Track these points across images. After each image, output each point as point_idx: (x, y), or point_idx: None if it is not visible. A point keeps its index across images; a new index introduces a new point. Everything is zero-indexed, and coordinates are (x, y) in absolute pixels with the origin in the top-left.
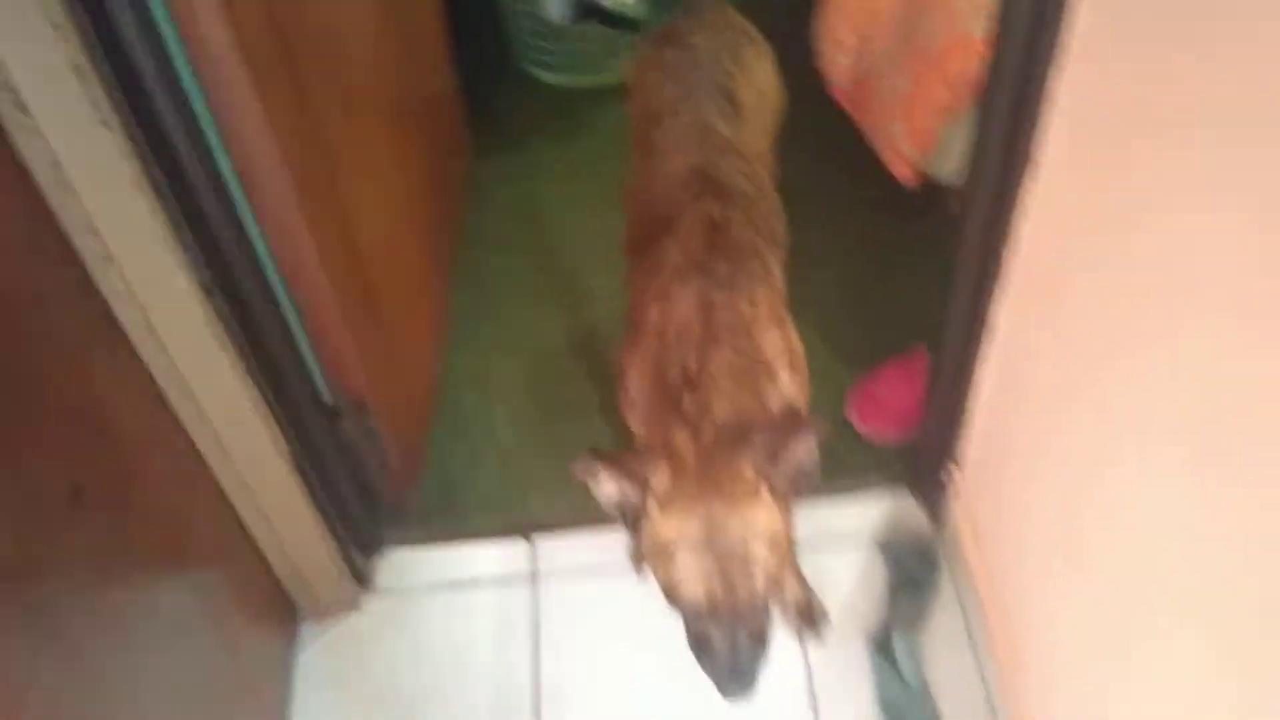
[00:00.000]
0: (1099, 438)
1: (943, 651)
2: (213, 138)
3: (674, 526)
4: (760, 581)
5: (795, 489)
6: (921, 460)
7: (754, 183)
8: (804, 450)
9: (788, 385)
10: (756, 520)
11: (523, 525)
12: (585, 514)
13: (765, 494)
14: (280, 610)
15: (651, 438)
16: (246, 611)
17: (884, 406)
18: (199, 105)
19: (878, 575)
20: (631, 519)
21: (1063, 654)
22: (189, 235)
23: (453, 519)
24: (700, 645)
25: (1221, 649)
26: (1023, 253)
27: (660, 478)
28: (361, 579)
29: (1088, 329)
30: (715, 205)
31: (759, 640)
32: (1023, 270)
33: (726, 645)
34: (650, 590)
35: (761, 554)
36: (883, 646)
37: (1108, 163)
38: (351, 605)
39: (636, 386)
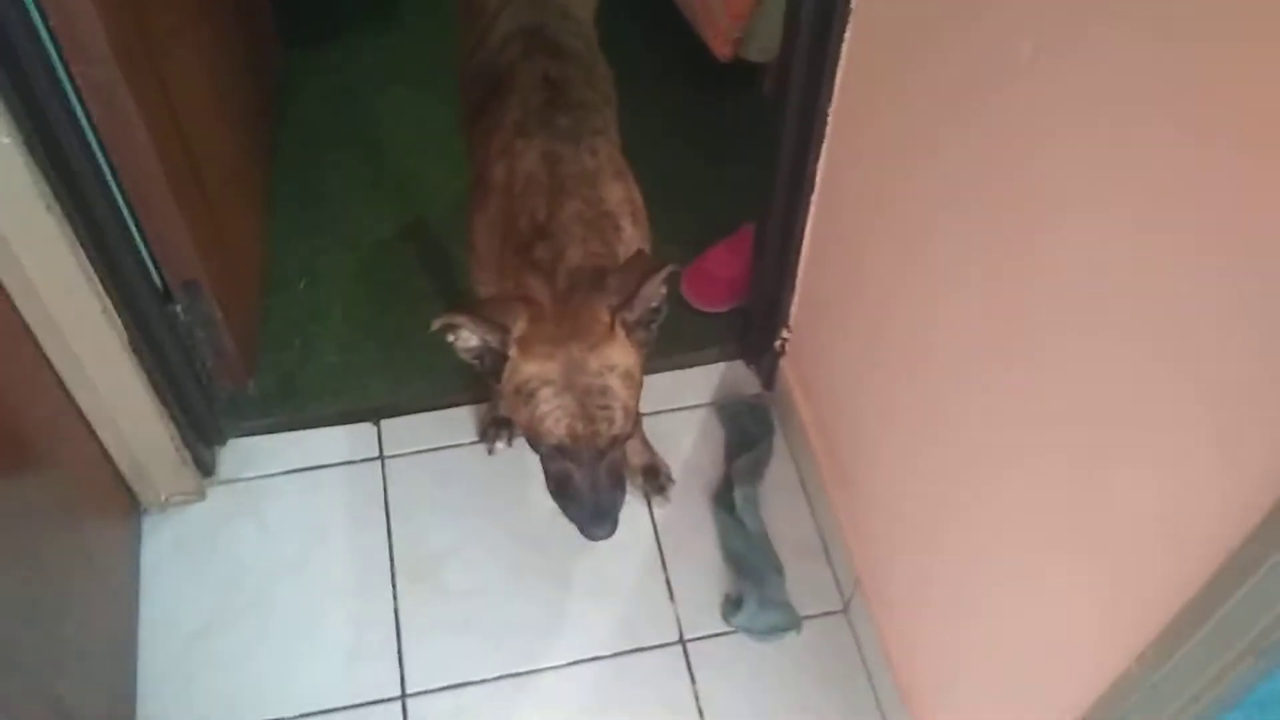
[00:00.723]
0: (898, 266)
1: (779, 501)
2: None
3: (535, 368)
4: (619, 416)
5: (647, 328)
6: (753, 327)
7: (586, 44)
8: (653, 290)
9: (632, 236)
10: (612, 357)
11: (365, 410)
12: (427, 398)
13: (620, 333)
14: (123, 500)
15: (504, 291)
16: (88, 502)
17: (715, 279)
18: None
19: (717, 436)
20: (493, 366)
21: (890, 482)
22: (14, 98)
23: (294, 407)
24: (562, 486)
25: (1033, 455)
26: (838, 104)
27: (519, 323)
28: (205, 468)
29: (888, 162)
30: (550, 62)
31: (617, 479)
32: (838, 122)
33: (588, 484)
34: (498, 463)
35: (619, 389)
36: (723, 501)
37: None
38: (196, 494)
39: (485, 244)
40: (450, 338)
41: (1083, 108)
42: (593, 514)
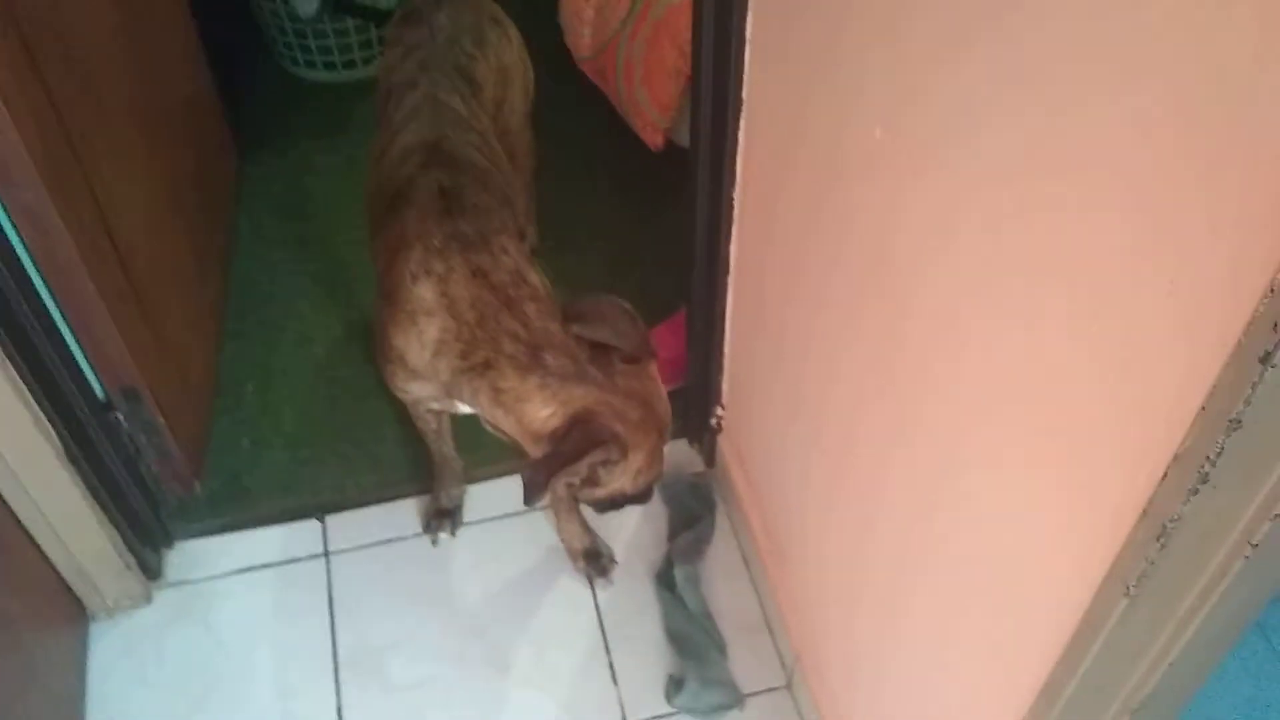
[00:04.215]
0: (811, 342)
1: (722, 577)
2: None
3: (646, 449)
4: None
5: None
6: (690, 407)
7: (488, 156)
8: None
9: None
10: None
11: (312, 507)
12: (373, 491)
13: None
14: (68, 608)
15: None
16: (31, 612)
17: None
18: None
19: (660, 515)
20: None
21: (819, 556)
22: None
23: (241, 506)
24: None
25: (940, 526)
26: (743, 189)
27: (616, 427)
28: (150, 572)
29: (790, 241)
30: (444, 174)
31: None
32: (745, 205)
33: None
34: (441, 554)
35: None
36: (665, 579)
37: (793, 82)
38: (142, 599)
39: (417, 358)
40: (554, 494)
41: (926, 173)
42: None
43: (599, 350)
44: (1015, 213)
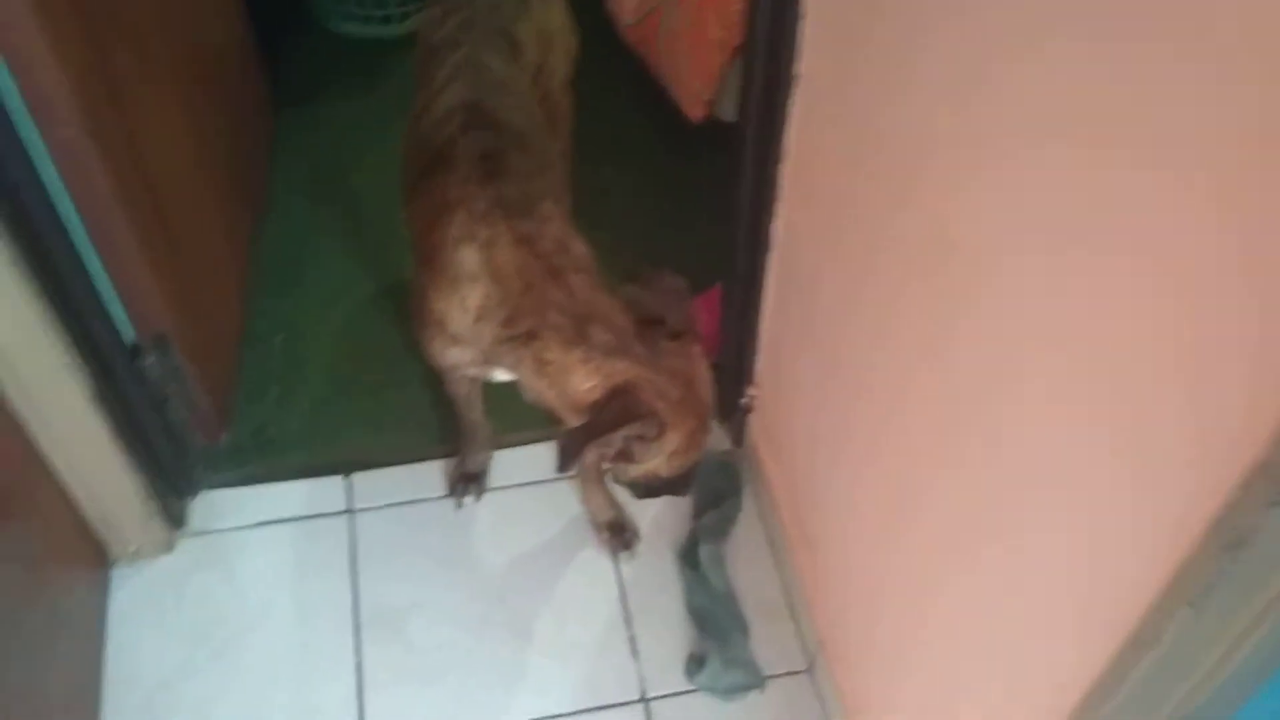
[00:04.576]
0: (855, 327)
1: (746, 559)
2: None
3: (684, 427)
4: None
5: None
6: (721, 385)
7: (529, 120)
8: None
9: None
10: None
11: (338, 463)
12: (399, 451)
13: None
14: (91, 551)
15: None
16: (54, 554)
17: None
18: None
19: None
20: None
21: (853, 548)
22: None
23: (267, 459)
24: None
25: (983, 535)
26: (790, 165)
27: (659, 406)
28: (174, 520)
29: (841, 223)
30: (485, 136)
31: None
32: (791, 182)
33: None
34: (465, 518)
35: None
36: (689, 557)
37: (852, 58)
38: (165, 546)
39: (460, 321)
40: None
41: (991, 158)
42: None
43: (645, 326)
44: (1089, 194)
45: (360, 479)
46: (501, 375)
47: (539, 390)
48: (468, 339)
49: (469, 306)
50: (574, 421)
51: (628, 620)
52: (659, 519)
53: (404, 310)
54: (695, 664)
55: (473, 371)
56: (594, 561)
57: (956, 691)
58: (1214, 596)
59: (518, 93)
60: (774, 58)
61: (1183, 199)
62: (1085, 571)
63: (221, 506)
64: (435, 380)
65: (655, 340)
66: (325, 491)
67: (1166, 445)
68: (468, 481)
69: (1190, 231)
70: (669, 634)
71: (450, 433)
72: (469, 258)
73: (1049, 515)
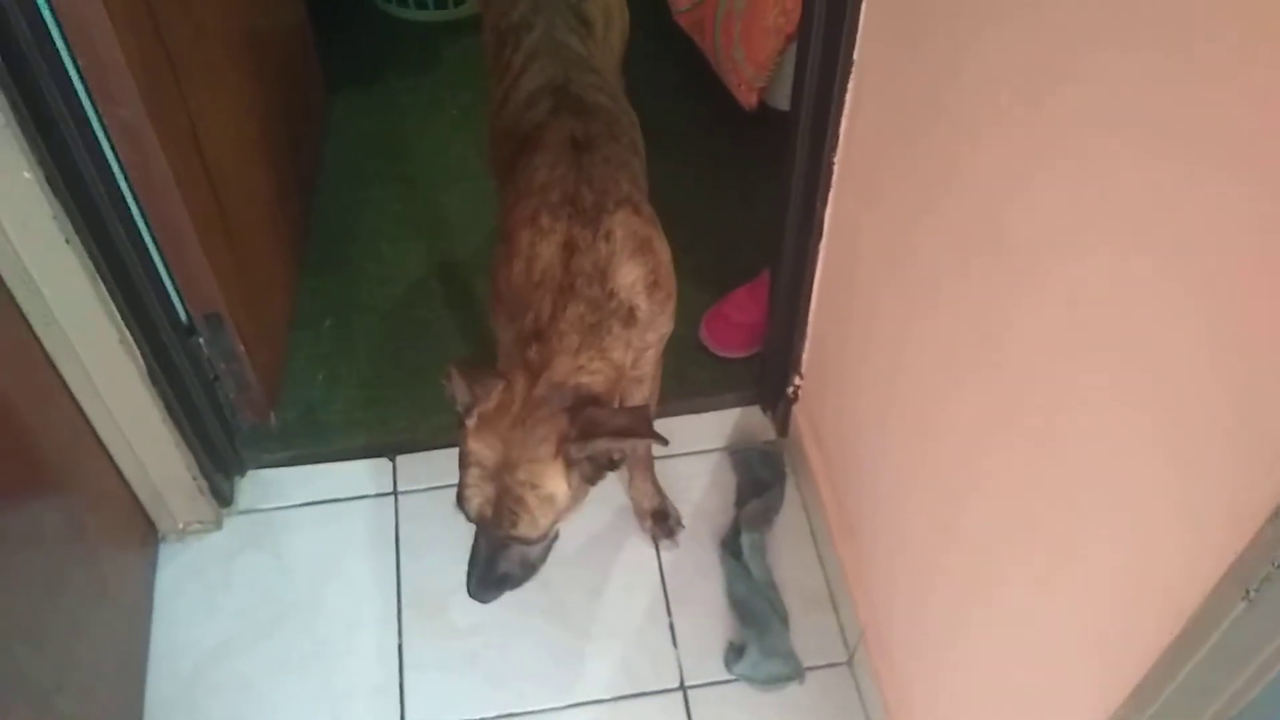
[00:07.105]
0: (905, 316)
1: (788, 548)
2: (59, 39)
3: (476, 446)
4: (524, 525)
5: (598, 470)
6: (767, 374)
7: (610, 97)
8: (614, 445)
9: (647, 313)
10: (541, 479)
11: (384, 445)
12: (446, 434)
13: (560, 465)
14: (140, 528)
15: (508, 358)
16: (104, 528)
17: (734, 325)
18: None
19: (729, 482)
20: (460, 420)
21: (898, 540)
22: (36, 135)
23: (315, 440)
24: (473, 543)
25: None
26: (844, 152)
27: (488, 403)
28: (222, 498)
29: (893, 210)
30: (576, 122)
31: (514, 567)
32: (844, 169)
33: (484, 556)
34: None
35: (534, 507)
36: (730, 546)
37: (912, 45)
38: (213, 524)
39: (508, 291)
40: (445, 384)
41: (1055, 147)
42: (476, 581)
43: (582, 411)
44: (1156, 189)
45: (405, 461)
46: None
47: None
48: (506, 319)
49: (514, 284)
50: None
51: (669, 608)
52: (701, 507)
53: (452, 292)
54: (734, 653)
55: None
56: (636, 549)
57: (1001, 687)
58: (1271, 589)
59: (597, 70)
60: (831, 43)
61: (1247, 205)
62: (1141, 562)
63: (268, 486)
64: (482, 363)
65: (573, 425)
66: (371, 473)
67: (1221, 435)
68: None
69: (1253, 232)
70: (709, 622)
71: None
72: (524, 238)
73: (1101, 505)
